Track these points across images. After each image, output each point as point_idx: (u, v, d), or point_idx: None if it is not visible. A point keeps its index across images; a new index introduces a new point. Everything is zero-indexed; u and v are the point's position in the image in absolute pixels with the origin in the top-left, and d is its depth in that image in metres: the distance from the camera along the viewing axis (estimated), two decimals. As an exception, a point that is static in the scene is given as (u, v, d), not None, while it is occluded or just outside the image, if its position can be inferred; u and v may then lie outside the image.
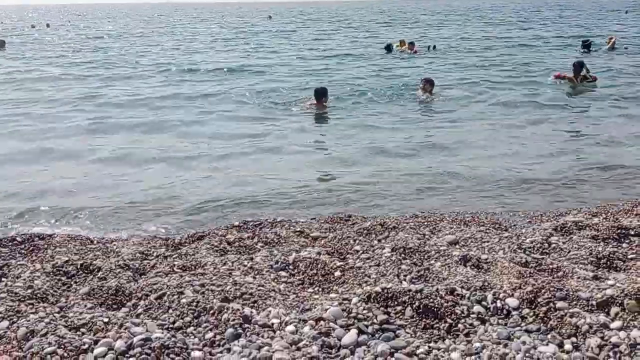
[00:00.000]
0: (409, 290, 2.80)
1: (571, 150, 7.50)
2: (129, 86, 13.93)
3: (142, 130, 9.28)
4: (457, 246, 3.85)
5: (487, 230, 4.30)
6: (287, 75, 15.26)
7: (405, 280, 3.14)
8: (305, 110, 10.41)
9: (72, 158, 7.57)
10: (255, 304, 2.85)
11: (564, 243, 3.76)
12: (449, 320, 2.62)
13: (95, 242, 4.49)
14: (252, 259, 3.64)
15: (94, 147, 8.13)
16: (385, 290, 2.81)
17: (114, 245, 4.26)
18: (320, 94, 10.47)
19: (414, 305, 2.72)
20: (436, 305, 2.71)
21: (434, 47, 20.91)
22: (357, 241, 4.05)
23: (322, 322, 2.49)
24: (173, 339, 2.38)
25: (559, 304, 2.64)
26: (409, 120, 9.75)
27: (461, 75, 14.64)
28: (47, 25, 49.10)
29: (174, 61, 18.85)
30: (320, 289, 3.21)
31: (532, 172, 6.58)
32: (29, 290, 3.11)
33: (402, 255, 3.62)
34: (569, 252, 3.60)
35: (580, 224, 4.15)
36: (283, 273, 3.43)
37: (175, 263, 3.63)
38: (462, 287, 2.91)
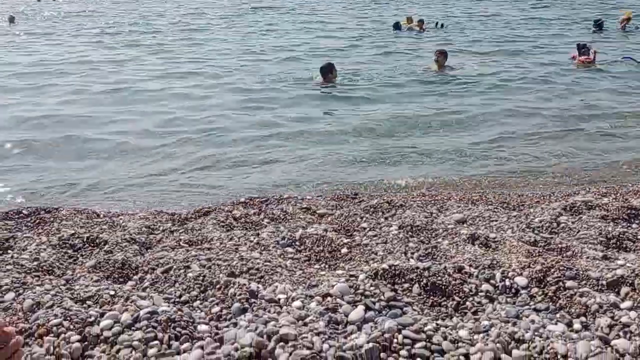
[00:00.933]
0: (417, 268, 2.77)
1: (583, 131, 7.40)
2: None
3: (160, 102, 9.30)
4: (465, 225, 3.82)
5: (495, 210, 4.27)
6: (294, 55, 15.04)
7: (412, 257, 3.12)
8: (314, 87, 10.30)
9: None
10: (262, 280, 2.84)
11: (573, 223, 3.72)
12: (456, 298, 2.60)
13: (101, 215, 4.48)
14: (258, 234, 3.63)
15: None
16: (393, 267, 2.79)
17: (121, 219, 4.25)
18: (327, 70, 10.34)
19: (422, 283, 2.69)
20: (444, 283, 2.68)
21: (442, 25, 20.59)
22: (364, 218, 4.02)
23: (329, 298, 2.47)
24: (179, 312, 2.37)
25: (569, 283, 2.61)
26: (418, 94, 9.67)
27: (472, 50, 14.47)
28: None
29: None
30: (326, 266, 3.19)
31: (542, 150, 6.52)
32: (35, 263, 3.11)
33: (410, 233, 3.60)
34: (578, 232, 3.56)
35: (589, 203, 4.10)
36: (289, 249, 3.41)
37: (182, 238, 3.61)
38: (470, 265, 2.88)
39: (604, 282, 2.63)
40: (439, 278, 2.71)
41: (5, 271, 2.97)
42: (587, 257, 3.03)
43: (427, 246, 3.27)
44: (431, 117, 8.09)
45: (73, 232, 3.59)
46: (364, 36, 18.45)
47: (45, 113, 8.55)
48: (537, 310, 2.44)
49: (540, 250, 3.18)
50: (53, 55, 15.02)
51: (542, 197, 4.84)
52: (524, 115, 8.25)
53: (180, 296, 2.66)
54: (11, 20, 26.26)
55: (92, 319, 2.32)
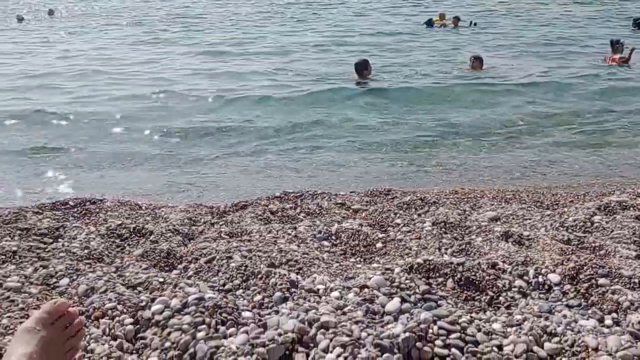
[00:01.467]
0: (451, 263, 2.86)
1: (617, 133, 7.32)
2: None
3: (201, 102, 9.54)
4: (498, 222, 3.88)
5: (529, 208, 4.30)
6: (326, 52, 15.09)
7: (446, 253, 3.20)
8: (348, 84, 10.35)
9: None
10: (301, 271, 2.96)
11: (607, 222, 3.74)
12: (490, 293, 2.67)
13: (143, 207, 4.67)
14: (295, 228, 3.75)
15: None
16: (427, 262, 2.88)
17: (162, 211, 4.42)
18: (362, 67, 10.34)
19: (456, 278, 2.78)
20: (478, 278, 2.76)
21: (475, 23, 20.41)
22: (398, 215, 4.11)
23: (366, 290, 2.57)
24: (224, 299, 2.50)
25: (601, 281, 2.66)
26: (453, 94, 9.64)
27: (509, 52, 14.32)
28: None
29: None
30: (362, 259, 3.30)
31: (576, 150, 6.50)
32: (86, 251, 3.29)
33: (443, 229, 3.67)
34: (611, 232, 3.58)
35: (624, 204, 4.11)
36: (326, 243, 3.53)
37: (222, 230, 3.76)
38: (504, 262, 2.95)
39: (636, 281, 2.67)
40: (473, 273, 2.79)
41: (59, 258, 3.16)
42: (620, 256, 3.06)
43: (460, 242, 3.35)
44: (465, 118, 8.10)
45: (120, 222, 3.77)
46: (396, 33, 18.41)
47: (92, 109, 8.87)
48: (569, 306, 2.50)
49: (574, 249, 3.23)
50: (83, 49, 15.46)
51: (576, 197, 4.85)
52: (557, 116, 8.20)
53: (224, 284, 2.80)
54: (50, 13, 27.00)
55: (144, 303, 2.47)
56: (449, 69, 11.65)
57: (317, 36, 18.17)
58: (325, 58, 13.69)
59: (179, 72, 12.21)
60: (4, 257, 3.15)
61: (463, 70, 11.24)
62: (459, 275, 2.79)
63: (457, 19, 19.73)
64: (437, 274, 2.82)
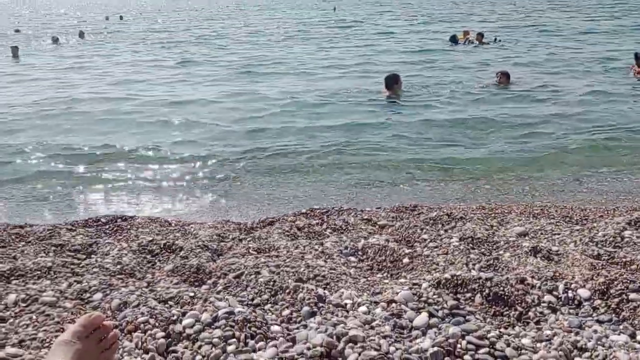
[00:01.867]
0: (479, 278, 2.85)
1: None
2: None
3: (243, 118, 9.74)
4: (526, 238, 3.85)
5: (558, 223, 4.26)
6: (355, 68, 15.16)
7: (474, 268, 3.19)
8: (378, 98, 10.37)
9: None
10: (328, 286, 2.98)
11: (637, 237, 3.69)
12: (519, 308, 2.66)
13: (173, 224, 4.75)
14: (322, 244, 3.78)
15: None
16: (455, 277, 2.87)
17: (191, 227, 4.49)
18: (392, 81, 10.29)
19: (484, 293, 2.77)
20: (506, 294, 2.75)
21: (499, 40, 20.38)
22: (424, 230, 4.11)
23: (393, 304, 2.58)
24: (254, 313, 2.54)
25: (632, 296, 2.62)
26: (480, 110, 9.62)
27: (535, 67, 14.23)
28: (120, 18, 51.11)
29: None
30: (389, 275, 3.30)
31: (605, 165, 6.42)
32: (118, 266, 3.37)
33: (470, 245, 3.66)
34: (643, 247, 3.53)
35: (656, 218, 4.04)
36: (352, 258, 3.55)
37: (250, 245, 3.81)
38: (533, 277, 2.93)
39: (670, 296, 2.63)
40: (501, 288, 2.77)
41: (92, 273, 3.24)
42: (653, 271, 3.02)
43: (488, 258, 3.33)
44: (492, 134, 8.06)
45: (151, 238, 3.85)
46: (422, 50, 18.45)
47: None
48: (599, 322, 2.47)
49: (604, 264, 3.19)
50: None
51: (605, 212, 4.78)
52: (584, 130, 8.13)
53: (252, 299, 2.84)
54: (81, 35, 27.84)
55: (175, 317, 2.53)
56: (475, 85, 11.62)
57: (344, 54, 18.33)
58: (351, 75, 13.79)
59: (205, 92, 12.41)
60: (39, 272, 3.24)
61: (490, 86, 11.20)
62: (487, 291, 2.78)
63: (481, 36, 19.73)
64: (465, 289, 2.81)
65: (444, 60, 16.01)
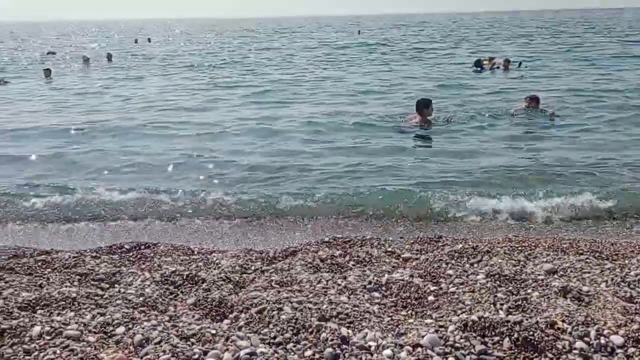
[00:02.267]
0: (507, 321, 2.77)
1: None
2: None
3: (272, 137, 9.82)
4: (555, 275, 3.75)
5: (588, 260, 4.14)
6: (381, 94, 15.08)
7: (502, 309, 3.11)
8: (409, 126, 10.24)
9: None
10: (352, 325, 2.93)
11: (673, 278, 3.57)
12: (549, 355, 2.57)
13: (195, 252, 4.75)
14: (345, 278, 3.73)
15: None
16: (483, 320, 2.80)
17: (214, 256, 4.48)
18: (422, 105, 10.12)
19: (513, 337, 2.69)
20: (536, 339, 2.67)
21: (525, 64, 20.28)
22: (450, 265, 4.03)
23: (419, 349, 2.53)
24: (276, 354, 2.50)
25: (670, 346, 2.52)
26: (510, 136, 9.44)
27: (564, 92, 14.04)
28: (149, 40, 52.33)
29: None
30: (413, 313, 3.24)
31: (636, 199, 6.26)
32: (141, 299, 3.36)
33: (498, 282, 3.58)
34: (679, 288, 3.40)
35: (691, 257, 3.91)
36: (376, 294, 3.49)
37: (273, 278, 3.78)
38: (563, 321, 2.85)
39: None
40: (531, 333, 2.69)
41: (116, 305, 3.24)
42: (690, 317, 2.90)
43: (516, 298, 3.25)
44: (521, 160, 7.92)
45: (174, 269, 3.85)
46: (450, 76, 18.30)
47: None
48: (635, 373, 2.38)
49: (637, 307, 3.08)
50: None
51: (637, 247, 4.65)
52: (614, 157, 7.96)
53: (274, 337, 2.80)
54: (109, 58, 28.59)
55: (197, 356, 2.50)
56: (504, 110, 11.45)
57: (368, 78, 18.37)
58: (379, 101, 13.66)
59: (232, 115, 12.48)
60: (64, 303, 3.25)
61: (519, 111, 11.03)
62: (516, 335, 2.70)
63: (507, 62, 19.60)
64: (493, 333, 2.74)
65: (469, 85, 15.89)
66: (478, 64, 19.88)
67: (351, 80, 18.07)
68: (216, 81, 19.18)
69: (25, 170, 8.12)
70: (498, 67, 19.46)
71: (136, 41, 51.10)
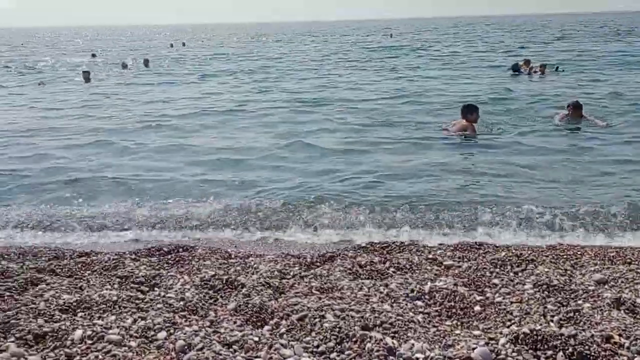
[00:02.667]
0: (561, 335, 2.65)
1: None
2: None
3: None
4: (606, 286, 3.60)
5: (638, 270, 3.97)
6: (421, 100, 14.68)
7: (552, 321, 2.98)
8: (452, 132, 9.93)
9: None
10: (396, 335, 2.85)
11: None
12: (607, 372, 2.45)
13: (233, 256, 4.72)
14: (387, 285, 3.64)
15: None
16: (534, 332, 2.69)
17: (252, 261, 4.45)
18: (467, 111, 9.81)
19: (567, 352, 2.57)
20: (592, 354, 2.54)
21: (562, 69, 19.83)
22: (494, 273, 3.91)
23: (470, 362, 2.43)
24: (321, 365, 2.44)
25: None
26: (552, 144, 9.11)
27: (607, 98, 13.56)
28: (183, 44, 53.13)
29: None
30: (459, 323, 3.13)
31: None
32: (182, 303, 3.34)
33: (546, 292, 3.45)
34: None
35: None
36: (419, 303, 3.40)
37: (313, 284, 3.71)
38: (620, 335, 2.71)
39: None
40: (587, 347, 2.57)
41: (156, 310, 3.21)
42: None
43: (567, 309, 3.12)
44: (562, 169, 7.65)
45: (213, 273, 3.82)
46: (487, 82, 17.79)
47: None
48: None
49: (698, 322, 2.92)
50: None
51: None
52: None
53: (317, 346, 2.73)
54: (145, 63, 29.03)
55: (240, 364, 2.45)
56: (546, 119, 10.99)
57: (402, 83, 18.11)
58: (416, 107, 13.37)
59: (266, 119, 12.42)
60: (104, 306, 3.25)
61: (562, 119, 10.61)
62: (570, 349, 2.58)
63: (544, 67, 19.15)
64: (546, 346, 2.62)
65: (509, 90, 15.44)
66: (516, 67, 19.46)
67: (389, 85, 17.82)
68: (253, 83, 19.23)
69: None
70: (536, 72, 19.03)
71: (172, 45, 51.92)
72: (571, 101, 10.82)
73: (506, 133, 10.09)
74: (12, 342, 2.81)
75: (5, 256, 4.56)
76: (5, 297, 3.42)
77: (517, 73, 19.17)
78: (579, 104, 10.57)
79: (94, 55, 37.23)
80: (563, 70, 19.75)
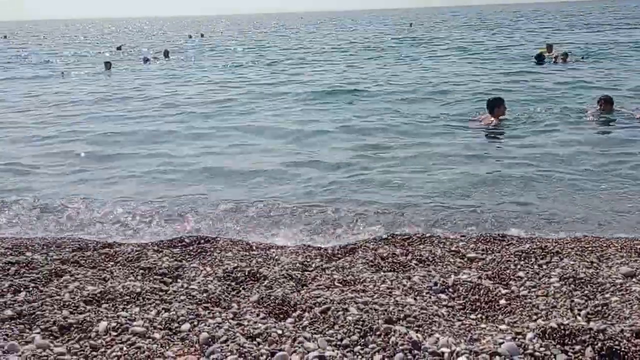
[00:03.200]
0: (590, 329, 2.60)
1: None
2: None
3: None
4: (634, 279, 3.52)
5: (668, 263, 3.89)
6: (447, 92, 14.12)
7: (579, 315, 2.93)
8: (479, 126, 9.66)
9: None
10: (421, 329, 2.82)
11: None
12: (638, 368, 2.39)
13: (254, 247, 4.73)
14: (409, 278, 3.61)
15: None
16: (562, 327, 2.64)
17: (273, 252, 4.45)
18: (494, 105, 9.51)
19: (596, 347, 2.52)
20: (622, 349, 2.48)
21: (587, 57, 19.39)
22: (519, 266, 3.85)
23: (497, 358, 2.39)
24: (345, 358, 2.42)
25: None
26: (583, 140, 8.69)
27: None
28: (202, 35, 53.28)
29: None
30: (484, 317, 3.09)
31: None
32: (205, 294, 3.34)
33: (572, 285, 3.38)
34: None
35: None
36: (443, 296, 3.36)
37: (335, 277, 3.70)
38: (651, 330, 2.65)
39: None
40: (617, 343, 2.51)
41: (180, 301, 3.23)
42: None
43: (595, 303, 3.06)
44: (590, 161, 7.43)
45: (235, 265, 3.83)
46: (511, 73, 17.45)
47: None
48: None
49: None
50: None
51: None
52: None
53: (341, 339, 2.72)
54: (166, 54, 29.20)
55: (264, 357, 2.45)
56: (576, 112, 10.63)
57: (427, 75, 17.77)
58: (441, 99, 13.01)
59: (292, 112, 12.32)
60: (128, 297, 3.27)
61: (593, 114, 10.27)
62: (599, 344, 2.52)
63: (565, 55, 18.70)
64: (574, 341, 2.57)
65: (536, 80, 15.00)
66: (539, 57, 18.97)
67: (411, 76, 17.51)
68: (273, 75, 19.17)
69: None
70: (557, 62, 18.58)
71: (190, 36, 52.06)
72: (602, 96, 10.52)
73: (535, 125, 9.80)
74: (38, 333, 2.84)
75: (30, 247, 4.62)
76: (31, 289, 3.46)
77: (541, 63, 18.72)
78: (609, 98, 10.24)
79: (119, 48, 37.53)
80: (589, 57, 19.34)
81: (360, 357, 2.55)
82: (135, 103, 14.08)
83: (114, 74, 21.41)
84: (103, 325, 2.86)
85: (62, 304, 3.17)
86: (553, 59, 18.78)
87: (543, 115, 10.56)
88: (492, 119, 9.59)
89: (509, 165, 7.41)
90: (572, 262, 3.83)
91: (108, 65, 23.01)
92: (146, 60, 27.13)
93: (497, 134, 9.36)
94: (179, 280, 3.70)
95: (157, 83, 18.16)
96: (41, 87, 18.13)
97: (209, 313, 3.06)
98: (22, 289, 3.44)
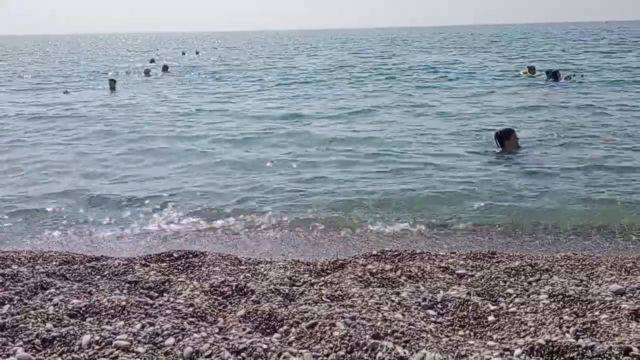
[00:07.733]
0: (578, 346, 2.58)
1: None
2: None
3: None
4: (624, 297, 3.51)
5: (657, 281, 3.88)
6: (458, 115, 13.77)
7: (568, 332, 2.91)
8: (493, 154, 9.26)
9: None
10: (408, 344, 2.78)
11: None
12: (626, 385, 2.37)
13: (243, 262, 4.69)
14: (398, 294, 3.58)
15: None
16: (550, 344, 2.62)
17: (261, 267, 4.40)
18: (502, 138, 9.02)
19: (584, 364, 2.50)
20: (610, 366, 2.47)
21: (573, 76, 19.54)
22: (508, 283, 3.83)
23: (484, 374, 2.36)
24: (330, 374, 2.38)
25: None
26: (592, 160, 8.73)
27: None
28: (197, 53, 53.60)
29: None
30: (472, 333, 3.07)
31: None
32: (190, 309, 3.30)
33: (562, 302, 3.37)
34: None
35: None
36: (431, 312, 3.33)
37: (323, 292, 3.66)
38: (639, 348, 2.63)
39: None
40: (604, 359, 2.49)
41: (165, 315, 3.18)
42: None
43: (584, 320, 3.04)
44: (594, 182, 7.41)
45: (223, 279, 3.79)
46: (515, 89, 17.37)
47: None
48: None
49: None
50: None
51: None
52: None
53: (327, 355, 2.68)
54: (164, 69, 29.52)
55: (248, 372, 2.41)
56: (590, 133, 10.57)
57: (441, 97, 17.24)
58: (456, 121, 12.81)
59: (304, 127, 12.35)
60: (113, 311, 3.22)
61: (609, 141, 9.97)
62: (587, 361, 2.50)
63: (569, 77, 18.83)
64: (562, 358, 2.55)
65: (551, 102, 14.83)
66: (555, 75, 18.84)
67: (422, 99, 16.97)
68: (267, 91, 19.25)
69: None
70: (573, 79, 18.58)
71: (184, 53, 52.34)
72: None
73: (552, 150, 9.54)
74: (20, 346, 2.79)
75: (16, 260, 4.56)
76: (15, 301, 3.40)
77: (555, 80, 18.67)
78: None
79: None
80: (582, 76, 19.54)
81: (346, 372, 2.52)
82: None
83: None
84: (86, 338, 2.82)
85: (46, 317, 3.12)
86: (568, 78, 18.78)
87: (567, 140, 10.24)
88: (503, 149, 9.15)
89: (502, 185, 7.43)
90: (561, 280, 3.82)
91: (112, 83, 22.16)
92: (147, 72, 27.63)
93: (511, 156, 9.07)
94: (165, 294, 3.65)
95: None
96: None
97: (194, 327, 3.01)
98: (6, 302, 3.38)
